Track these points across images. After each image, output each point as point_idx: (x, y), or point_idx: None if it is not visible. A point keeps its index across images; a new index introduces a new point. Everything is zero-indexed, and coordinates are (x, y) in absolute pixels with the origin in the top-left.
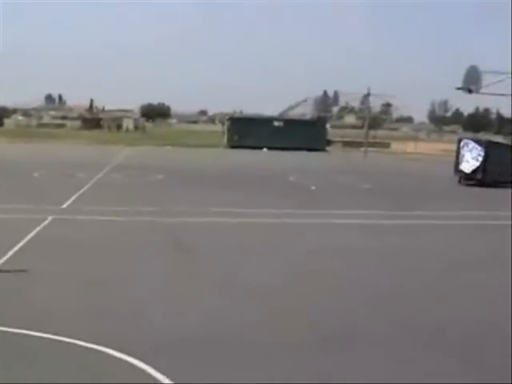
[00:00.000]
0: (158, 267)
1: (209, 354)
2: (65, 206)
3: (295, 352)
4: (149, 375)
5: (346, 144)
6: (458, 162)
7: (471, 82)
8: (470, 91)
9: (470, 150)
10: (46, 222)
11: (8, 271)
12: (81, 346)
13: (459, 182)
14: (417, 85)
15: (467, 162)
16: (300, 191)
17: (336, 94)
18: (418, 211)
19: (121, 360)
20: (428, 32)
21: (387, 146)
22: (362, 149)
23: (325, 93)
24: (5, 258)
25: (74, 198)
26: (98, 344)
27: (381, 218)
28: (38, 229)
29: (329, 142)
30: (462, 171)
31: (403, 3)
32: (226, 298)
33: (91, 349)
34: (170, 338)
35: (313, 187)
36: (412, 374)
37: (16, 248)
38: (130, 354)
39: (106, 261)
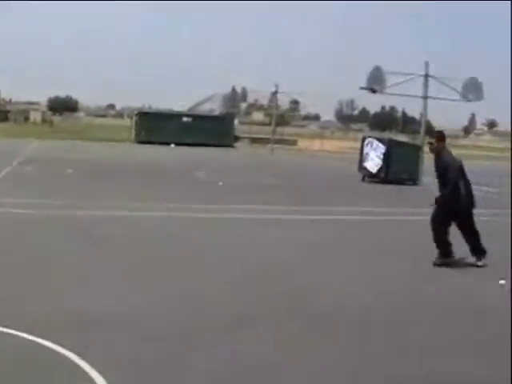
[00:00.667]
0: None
1: None
2: None
3: None
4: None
5: (254, 140)
6: (362, 160)
7: (375, 82)
8: (373, 91)
9: (374, 149)
10: None
11: None
12: None
13: (363, 179)
14: (324, 83)
15: (372, 159)
16: (207, 186)
17: (244, 90)
18: (319, 207)
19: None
20: (335, 31)
21: (294, 143)
22: (269, 145)
23: (233, 89)
24: None
25: None
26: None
27: (281, 213)
28: None
29: (236, 138)
30: (365, 169)
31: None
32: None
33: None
34: None
35: (220, 183)
36: None
37: None
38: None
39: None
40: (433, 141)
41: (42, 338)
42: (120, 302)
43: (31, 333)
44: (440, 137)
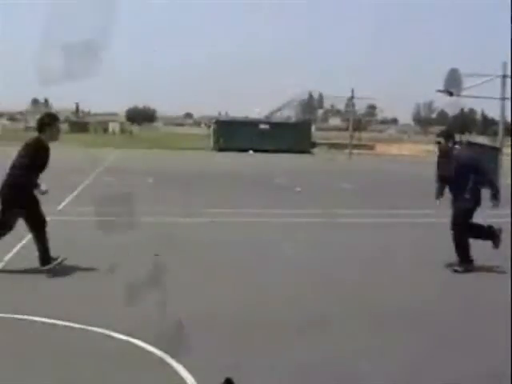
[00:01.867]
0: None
1: None
2: (60, 207)
3: None
4: None
5: (331, 146)
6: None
7: (452, 84)
8: (450, 94)
9: None
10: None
11: None
12: None
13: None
14: (401, 86)
15: None
16: (285, 192)
17: (321, 96)
18: (396, 210)
19: None
20: (412, 34)
21: (372, 147)
22: (347, 151)
23: (310, 95)
24: None
25: (68, 199)
26: None
27: (358, 217)
28: None
29: (314, 144)
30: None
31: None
32: None
33: None
34: None
35: (298, 188)
36: None
37: None
38: None
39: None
40: (440, 139)
41: (135, 337)
42: (208, 304)
43: (126, 334)
44: (448, 135)
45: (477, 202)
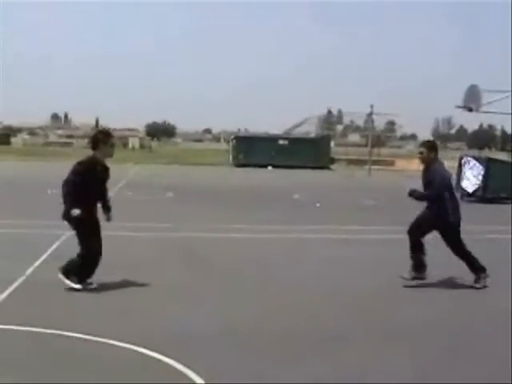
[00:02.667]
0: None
1: None
2: None
3: None
4: None
5: (350, 162)
6: (459, 180)
7: (471, 100)
8: (470, 110)
9: (471, 168)
10: (64, 238)
11: None
12: None
13: (461, 198)
14: (421, 102)
15: (468, 179)
16: (305, 208)
17: (340, 112)
18: None
19: None
20: (432, 49)
21: (391, 163)
22: (366, 167)
23: (329, 111)
24: None
25: None
26: None
27: (378, 233)
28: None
29: (333, 160)
30: (462, 188)
31: (407, 20)
32: None
33: None
34: None
35: (317, 204)
36: None
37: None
38: None
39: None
40: (423, 150)
41: (156, 351)
42: (228, 318)
43: (146, 347)
44: (431, 146)
45: (444, 216)
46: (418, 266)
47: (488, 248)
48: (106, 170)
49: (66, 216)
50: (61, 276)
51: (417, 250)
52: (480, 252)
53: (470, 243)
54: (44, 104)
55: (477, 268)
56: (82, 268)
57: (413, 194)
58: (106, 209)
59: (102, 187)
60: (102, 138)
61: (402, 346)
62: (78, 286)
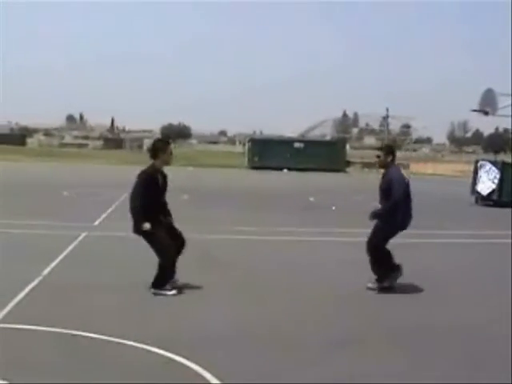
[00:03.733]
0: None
1: None
2: (96, 223)
3: None
4: None
5: (366, 165)
6: (474, 183)
7: (487, 104)
8: (486, 113)
9: (487, 171)
10: (80, 239)
11: None
12: None
13: (476, 202)
14: (436, 105)
15: (483, 182)
16: (321, 211)
17: (356, 115)
18: (431, 230)
19: None
20: (448, 53)
21: (406, 167)
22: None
23: (344, 114)
24: None
25: (104, 215)
26: None
27: (398, 237)
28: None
29: (348, 163)
30: (478, 192)
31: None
32: None
33: None
34: None
35: (333, 207)
36: None
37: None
38: None
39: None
40: (380, 153)
41: (172, 352)
42: (244, 321)
43: (163, 348)
44: (388, 150)
45: (398, 221)
46: (390, 272)
47: (501, 252)
48: (164, 177)
49: (137, 230)
50: (154, 291)
51: (385, 261)
52: (493, 256)
53: (485, 247)
54: (59, 105)
55: (383, 272)
56: (164, 276)
57: (374, 216)
58: (168, 214)
59: (163, 195)
60: (161, 147)
61: (423, 353)
62: (172, 292)
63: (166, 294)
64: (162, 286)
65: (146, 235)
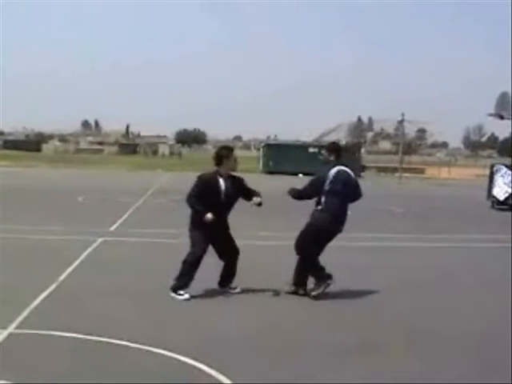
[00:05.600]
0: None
1: None
2: (112, 228)
3: None
4: None
5: (381, 170)
6: (490, 187)
7: (502, 108)
8: (501, 117)
9: (502, 176)
10: (95, 245)
11: None
12: None
13: (492, 206)
14: (451, 110)
15: (499, 186)
16: None
17: (370, 119)
18: (446, 234)
19: None
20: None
21: (422, 171)
22: (397, 174)
23: (359, 118)
24: None
25: (120, 221)
26: None
27: (408, 241)
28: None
29: (363, 168)
30: (494, 196)
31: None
32: None
33: None
34: None
35: (348, 212)
36: None
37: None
38: None
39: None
40: (324, 152)
41: (189, 357)
42: (262, 324)
43: (179, 353)
44: (331, 149)
45: (335, 221)
46: (322, 277)
47: None
48: (233, 183)
49: (193, 222)
50: (172, 294)
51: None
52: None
53: (499, 252)
54: (74, 111)
55: (302, 280)
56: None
57: (292, 192)
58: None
59: (229, 200)
60: (225, 154)
61: (438, 358)
62: (185, 297)
63: (178, 298)
64: (179, 289)
65: (198, 228)
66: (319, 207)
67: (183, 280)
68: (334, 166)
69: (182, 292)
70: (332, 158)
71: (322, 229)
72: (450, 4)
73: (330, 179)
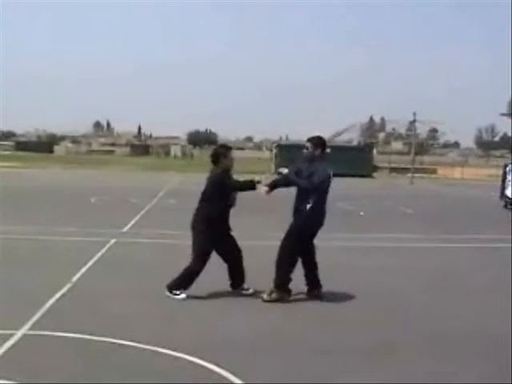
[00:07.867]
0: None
1: None
2: (125, 229)
3: None
4: None
5: (393, 170)
6: (503, 188)
7: None
8: None
9: None
10: (109, 245)
11: None
12: None
13: (505, 206)
14: (463, 110)
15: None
16: (349, 216)
17: (383, 120)
18: (459, 235)
19: None
20: (475, 57)
21: (434, 171)
22: (409, 175)
23: (371, 119)
24: None
25: (132, 222)
26: None
27: (421, 242)
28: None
29: (375, 168)
30: (507, 196)
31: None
32: None
33: None
34: None
35: (361, 213)
36: None
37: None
38: None
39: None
40: (309, 145)
41: (200, 358)
42: (275, 325)
43: (190, 354)
44: (316, 143)
45: (316, 220)
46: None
47: None
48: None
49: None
50: (167, 293)
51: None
52: None
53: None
54: (86, 112)
55: (280, 285)
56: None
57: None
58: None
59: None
60: (222, 152)
61: (454, 358)
62: (182, 297)
63: (176, 298)
64: (176, 289)
65: (201, 232)
66: (308, 206)
67: (182, 284)
68: (321, 163)
69: (177, 292)
70: (317, 153)
71: (310, 228)
72: (465, 5)
73: (323, 178)
